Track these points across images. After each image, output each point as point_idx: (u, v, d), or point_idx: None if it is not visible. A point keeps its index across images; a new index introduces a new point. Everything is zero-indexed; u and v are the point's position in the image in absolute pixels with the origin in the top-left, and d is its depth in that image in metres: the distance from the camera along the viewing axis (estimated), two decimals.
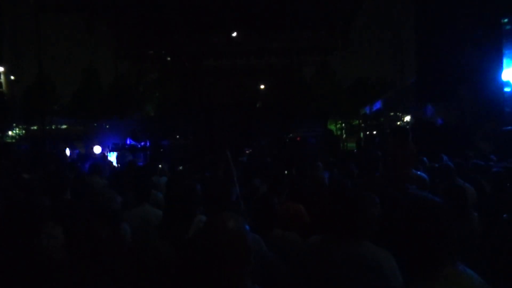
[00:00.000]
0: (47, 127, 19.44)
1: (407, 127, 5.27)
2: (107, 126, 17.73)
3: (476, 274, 1.70)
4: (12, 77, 15.85)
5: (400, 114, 23.28)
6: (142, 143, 15.17)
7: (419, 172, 4.99)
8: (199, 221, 3.22)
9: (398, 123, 22.51)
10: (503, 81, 12.54)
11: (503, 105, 12.58)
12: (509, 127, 11.41)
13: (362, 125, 29.93)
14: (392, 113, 24.42)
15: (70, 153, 14.27)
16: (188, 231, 3.14)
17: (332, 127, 33.31)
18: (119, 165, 12.21)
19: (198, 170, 6.54)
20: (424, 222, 1.70)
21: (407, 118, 22.32)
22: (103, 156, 13.00)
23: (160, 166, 7.00)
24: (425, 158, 7.12)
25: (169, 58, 25.53)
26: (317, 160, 7.02)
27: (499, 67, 12.48)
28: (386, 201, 2.71)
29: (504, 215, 3.80)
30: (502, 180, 4.65)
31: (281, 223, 3.27)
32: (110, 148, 14.59)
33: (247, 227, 1.71)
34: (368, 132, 26.33)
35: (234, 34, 20.93)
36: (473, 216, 3.59)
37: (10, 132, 16.30)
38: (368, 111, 26.63)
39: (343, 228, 2.50)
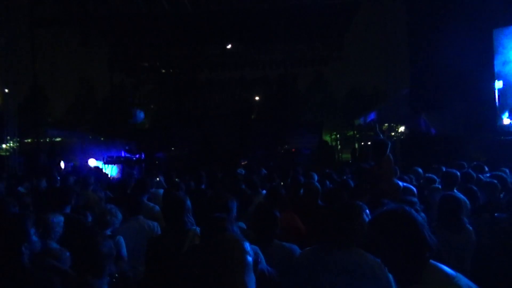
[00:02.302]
0: (41, 140, 19.35)
1: (384, 139, 5.32)
2: (102, 139, 17.71)
3: (456, 272, 1.84)
4: (6, 90, 15.84)
5: (394, 125, 23.35)
6: (137, 156, 15.15)
7: (404, 184, 5.03)
8: (194, 234, 3.23)
9: (392, 133, 22.58)
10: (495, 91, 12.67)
11: (496, 115, 12.69)
12: (502, 137, 11.50)
13: (357, 136, 29.99)
14: (386, 124, 24.50)
15: (65, 165, 14.21)
16: (183, 244, 3.15)
17: (327, 138, 33.39)
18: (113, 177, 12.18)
19: (195, 183, 6.53)
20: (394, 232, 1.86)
21: (402, 129, 22.40)
22: (97, 168, 12.96)
23: (157, 179, 7.01)
24: (419, 169, 7.15)
25: (163, 70, 25.57)
26: (311, 171, 7.05)
27: (491, 77, 12.61)
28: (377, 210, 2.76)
29: (496, 214, 3.85)
30: (494, 189, 4.68)
31: (277, 234, 3.28)
32: (105, 161, 14.55)
33: (247, 243, 1.79)
34: (362, 143, 26.37)
35: (229, 46, 21.04)
36: (467, 227, 3.62)
37: (4, 145, 16.23)
38: (362, 122, 26.71)
39: (336, 236, 2.54)
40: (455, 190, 4.74)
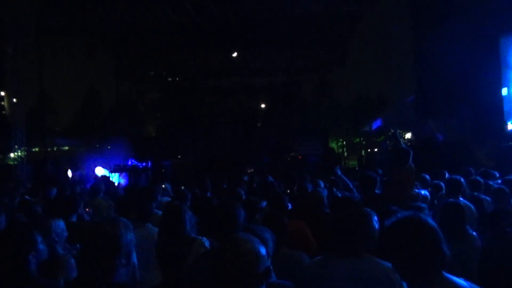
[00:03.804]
0: (49, 149, 19.47)
1: (407, 147, 5.31)
2: (109, 147, 17.78)
3: (463, 280, 1.85)
4: (14, 100, 16.04)
5: (401, 132, 23.29)
6: (144, 164, 15.18)
7: (422, 191, 5.00)
8: (200, 244, 3.23)
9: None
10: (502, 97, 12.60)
11: (503, 121, 12.61)
12: (510, 143, 11.43)
13: (363, 142, 29.94)
14: (392, 131, 24.45)
15: (72, 174, 14.27)
16: (188, 254, 3.15)
17: (333, 145, 33.33)
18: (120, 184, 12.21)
19: (200, 190, 6.53)
20: (407, 239, 1.87)
21: (408, 135, 22.33)
22: (104, 177, 12.99)
23: (163, 186, 7.03)
24: (427, 176, 7.10)
25: (169, 78, 25.72)
26: (318, 178, 7.04)
27: (497, 83, 12.55)
28: (385, 217, 2.75)
29: (508, 229, 3.81)
30: (503, 196, 4.63)
31: (285, 242, 3.26)
32: (112, 169, 14.58)
33: (263, 248, 1.72)
34: (369, 150, 26.31)
35: (234, 54, 21.14)
36: (471, 233, 3.59)
37: (12, 154, 16.37)
38: (368, 129, 26.69)
39: (345, 244, 2.52)
40: (460, 198, 4.69)
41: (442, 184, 5.92)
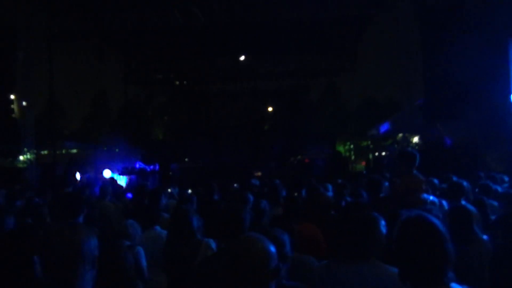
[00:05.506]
0: (58, 152, 19.62)
1: (413, 150, 5.30)
2: (117, 150, 17.90)
3: None
4: (24, 103, 16.23)
5: (408, 135, 23.18)
6: (151, 167, 15.25)
7: (431, 196, 4.97)
8: (207, 246, 3.25)
9: (407, 144, 22.37)
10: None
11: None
12: None
13: (371, 146, 29.79)
14: (401, 134, 24.32)
15: (81, 177, 14.37)
16: (196, 256, 3.17)
17: (340, 148, 33.23)
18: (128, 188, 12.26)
19: (207, 194, 6.54)
20: (416, 241, 1.82)
21: (416, 139, 22.22)
22: (113, 180, 13.05)
23: (169, 190, 7.05)
24: (435, 180, 7.06)
25: (177, 82, 25.84)
26: (326, 182, 7.01)
27: (507, 86, 12.46)
28: (392, 222, 2.74)
29: None
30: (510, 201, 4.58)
31: (296, 246, 3.25)
32: (119, 172, 14.66)
33: (273, 247, 1.74)
34: (377, 154, 26.17)
35: (242, 57, 21.17)
36: (480, 237, 3.56)
37: (21, 157, 16.51)
38: (376, 133, 26.56)
39: (353, 249, 2.51)
40: (463, 201, 4.65)
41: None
